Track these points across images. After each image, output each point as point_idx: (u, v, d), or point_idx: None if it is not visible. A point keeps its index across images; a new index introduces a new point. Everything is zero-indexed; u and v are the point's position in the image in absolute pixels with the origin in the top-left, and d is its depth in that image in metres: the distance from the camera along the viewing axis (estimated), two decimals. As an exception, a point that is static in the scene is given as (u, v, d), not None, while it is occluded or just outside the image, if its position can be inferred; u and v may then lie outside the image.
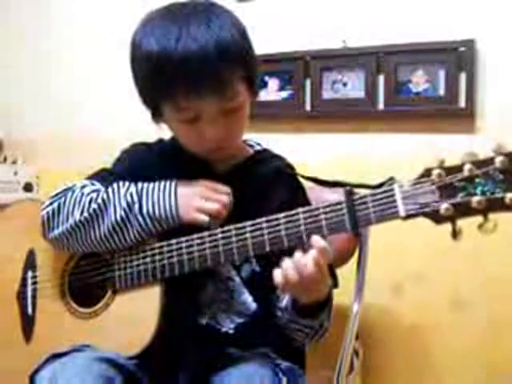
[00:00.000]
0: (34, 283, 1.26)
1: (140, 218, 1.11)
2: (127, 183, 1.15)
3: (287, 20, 2.02)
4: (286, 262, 1.01)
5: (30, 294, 1.26)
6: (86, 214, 1.14)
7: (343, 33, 1.93)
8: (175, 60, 1.06)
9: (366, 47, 1.90)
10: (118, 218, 1.12)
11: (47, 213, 1.19)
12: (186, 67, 1.05)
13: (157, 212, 1.11)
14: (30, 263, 1.27)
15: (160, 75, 1.08)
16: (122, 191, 1.13)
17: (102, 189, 1.17)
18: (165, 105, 1.13)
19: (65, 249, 1.21)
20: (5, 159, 2.44)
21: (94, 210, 1.14)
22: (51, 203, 1.20)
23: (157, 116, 1.18)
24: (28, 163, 2.41)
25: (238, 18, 1.16)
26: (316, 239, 1.00)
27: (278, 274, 1.01)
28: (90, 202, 1.15)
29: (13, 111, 2.50)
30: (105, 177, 1.23)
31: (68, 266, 1.24)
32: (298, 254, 1.01)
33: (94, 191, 1.17)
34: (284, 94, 2.03)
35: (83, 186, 1.20)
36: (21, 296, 1.27)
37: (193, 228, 1.10)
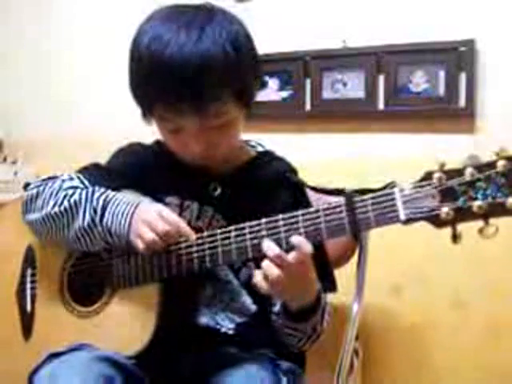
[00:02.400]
0: (33, 281, 1.26)
1: (100, 229, 1.10)
2: (102, 189, 1.14)
3: (287, 20, 2.02)
4: (264, 261, 1.00)
5: (28, 291, 1.26)
6: (56, 209, 1.14)
7: (343, 33, 1.93)
8: (160, 67, 1.04)
9: (366, 47, 1.90)
10: (85, 224, 1.11)
11: (27, 195, 1.21)
12: (167, 78, 1.03)
13: (112, 228, 1.10)
14: (29, 261, 1.27)
15: (145, 77, 1.07)
16: (95, 196, 1.12)
17: (80, 188, 1.16)
18: (151, 110, 1.12)
19: (38, 235, 1.23)
20: (5, 159, 2.44)
21: (65, 208, 1.14)
22: (33, 188, 1.21)
23: (146, 118, 1.16)
24: (28, 163, 2.41)
25: (238, 28, 1.11)
26: (296, 237, 1.00)
27: (257, 273, 1.01)
28: (63, 198, 1.15)
29: (13, 111, 2.50)
30: (94, 173, 1.23)
31: (67, 264, 1.23)
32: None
33: (71, 187, 1.16)
34: (284, 93, 2.03)
35: (64, 180, 1.19)
36: (20, 294, 1.27)
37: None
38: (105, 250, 1.17)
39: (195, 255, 1.08)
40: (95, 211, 1.11)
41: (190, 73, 1.02)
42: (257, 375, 1.06)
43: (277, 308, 1.14)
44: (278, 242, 1.02)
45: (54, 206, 1.15)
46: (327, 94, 1.97)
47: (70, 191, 1.15)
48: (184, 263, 1.09)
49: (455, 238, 0.93)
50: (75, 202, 1.13)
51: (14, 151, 2.44)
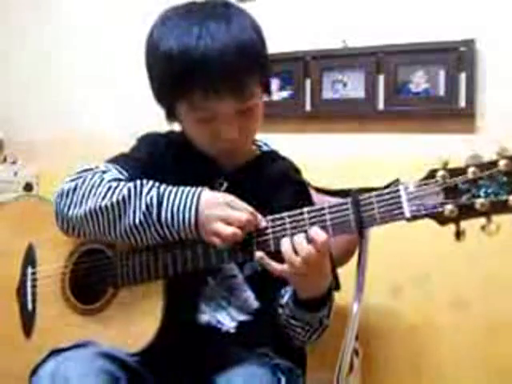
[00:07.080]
0: (34, 279, 1.26)
1: (158, 226, 1.07)
2: (150, 182, 1.10)
3: (287, 20, 2.02)
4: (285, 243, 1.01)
5: (29, 290, 1.26)
6: (103, 204, 1.09)
7: (343, 33, 1.93)
8: (196, 59, 1.06)
9: (366, 47, 1.90)
10: (137, 221, 1.07)
11: (63, 189, 1.15)
12: (206, 67, 1.06)
13: (175, 223, 1.06)
14: (30, 259, 1.27)
15: (179, 74, 1.08)
16: (144, 191, 1.08)
17: (122, 181, 1.12)
18: (181, 104, 1.13)
19: (74, 232, 1.16)
20: (5, 159, 2.44)
21: (112, 203, 1.08)
22: (70, 181, 1.15)
23: (171, 115, 1.18)
24: (28, 163, 2.41)
25: (254, 19, 1.17)
26: (315, 230, 1.00)
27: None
28: (107, 191, 1.10)
29: (13, 111, 2.50)
30: (128, 162, 1.21)
31: (69, 262, 1.23)
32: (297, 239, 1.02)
33: (114, 180, 1.13)
34: (284, 94, 2.03)
35: (104, 171, 1.16)
36: (21, 292, 1.27)
37: None
38: (109, 247, 1.17)
39: (200, 252, 1.08)
40: (148, 208, 1.06)
41: (227, 58, 1.06)
42: (256, 375, 1.07)
43: (285, 299, 1.15)
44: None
45: (97, 200, 1.09)
46: (327, 93, 1.97)
47: (114, 183, 1.10)
48: (189, 260, 1.09)
49: (459, 234, 0.95)
50: (123, 197, 1.08)
51: (13, 151, 2.45)
